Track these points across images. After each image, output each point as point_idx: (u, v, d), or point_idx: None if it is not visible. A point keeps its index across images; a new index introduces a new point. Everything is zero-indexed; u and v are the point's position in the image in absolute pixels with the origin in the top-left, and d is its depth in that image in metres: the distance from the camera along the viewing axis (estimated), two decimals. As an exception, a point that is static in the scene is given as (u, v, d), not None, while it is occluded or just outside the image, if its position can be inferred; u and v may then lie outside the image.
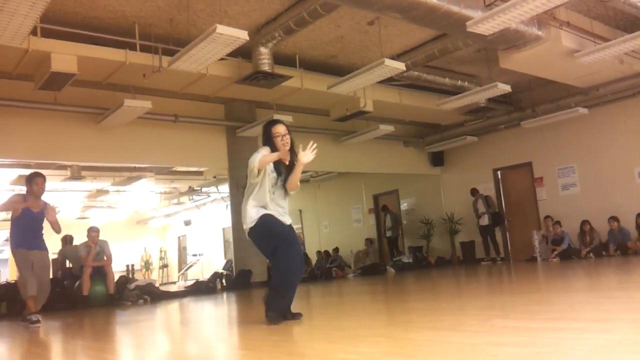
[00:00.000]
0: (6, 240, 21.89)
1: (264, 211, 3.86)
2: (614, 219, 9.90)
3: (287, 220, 3.98)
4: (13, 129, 7.82)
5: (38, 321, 5.62)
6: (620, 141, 10.30)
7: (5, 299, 7.86)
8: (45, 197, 6.11)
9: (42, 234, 6.02)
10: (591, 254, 9.94)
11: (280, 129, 3.95)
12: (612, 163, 10.39)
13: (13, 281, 9.00)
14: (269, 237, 3.86)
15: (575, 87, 9.91)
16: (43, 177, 6.06)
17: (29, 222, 5.86)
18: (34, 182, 5.94)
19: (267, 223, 3.83)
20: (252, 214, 3.86)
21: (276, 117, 8.95)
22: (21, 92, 7.53)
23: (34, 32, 6.24)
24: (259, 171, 3.80)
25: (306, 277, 11.96)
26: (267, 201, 3.88)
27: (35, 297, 5.76)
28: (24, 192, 6.06)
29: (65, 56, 6.72)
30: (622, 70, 9.07)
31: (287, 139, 3.94)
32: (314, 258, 14.09)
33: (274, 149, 3.90)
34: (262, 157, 3.79)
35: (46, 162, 10.06)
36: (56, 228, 6.01)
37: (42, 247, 5.98)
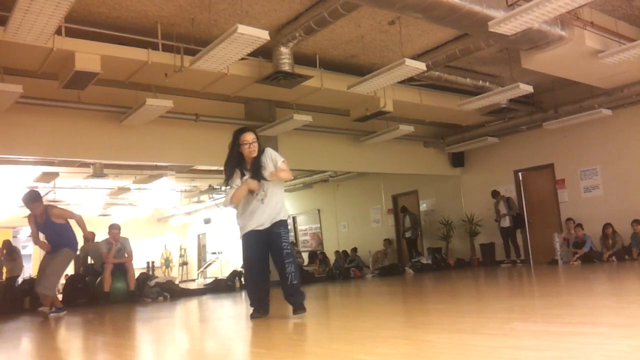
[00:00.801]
0: (29, 236, 22.29)
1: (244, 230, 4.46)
2: (637, 222, 9.74)
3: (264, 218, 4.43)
4: (38, 127, 7.96)
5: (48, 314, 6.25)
6: (645, 143, 10.13)
7: (29, 294, 7.99)
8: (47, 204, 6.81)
9: (60, 237, 6.41)
10: (613, 258, 9.79)
11: (247, 137, 4.39)
12: (636, 165, 10.21)
13: (36, 276, 9.14)
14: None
15: (599, 88, 9.77)
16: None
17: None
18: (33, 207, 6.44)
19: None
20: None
21: (295, 117, 8.99)
22: (46, 91, 7.64)
23: (58, 32, 6.32)
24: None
25: (324, 276, 11.99)
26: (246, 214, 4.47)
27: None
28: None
29: (88, 55, 6.81)
30: (647, 71, 8.91)
31: (254, 146, 4.37)
32: (332, 258, 14.09)
33: (239, 156, 4.42)
34: (232, 195, 4.35)
35: (69, 160, 10.22)
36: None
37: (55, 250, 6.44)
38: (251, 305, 4.57)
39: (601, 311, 3.65)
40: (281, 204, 4.48)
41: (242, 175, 4.42)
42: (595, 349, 2.30)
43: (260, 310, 4.53)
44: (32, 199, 6.35)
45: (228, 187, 4.46)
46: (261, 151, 4.46)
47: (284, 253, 4.35)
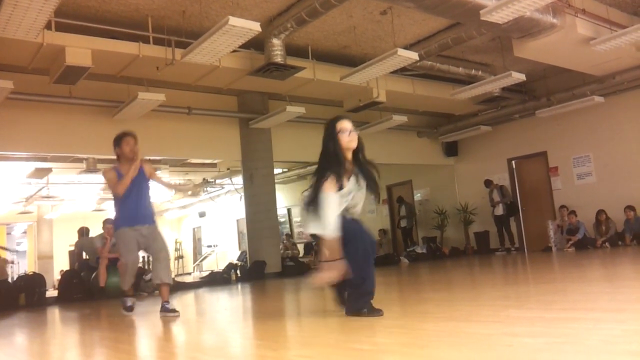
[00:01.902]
0: (24, 232, 22.21)
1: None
2: (630, 208, 9.80)
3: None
4: (29, 123, 7.91)
5: (131, 308, 5.05)
6: (636, 129, 10.17)
7: (23, 290, 7.97)
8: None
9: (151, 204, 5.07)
10: (607, 244, 9.86)
11: (346, 125, 3.52)
12: (629, 152, 10.26)
13: (31, 272, 9.13)
14: None
15: (591, 76, 9.79)
16: (133, 135, 5.02)
17: (133, 194, 4.85)
18: (124, 142, 4.92)
19: None
20: None
21: (288, 109, 8.97)
22: (37, 86, 7.60)
23: (48, 26, 6.28)
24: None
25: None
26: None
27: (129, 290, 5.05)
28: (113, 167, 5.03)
29: (79, 50, 6.77)
30: (638, 58, 8.94)
31: (354, 135, 3.52)
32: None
33: (337, 144, 3.46)
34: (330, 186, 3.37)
35: (62, 155, 10.18)
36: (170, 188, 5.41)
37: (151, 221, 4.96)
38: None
39: (595, 297, 3.67)
40: None
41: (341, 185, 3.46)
42: (590, 334, 2.32)
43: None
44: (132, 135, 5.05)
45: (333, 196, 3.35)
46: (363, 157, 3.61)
47: None
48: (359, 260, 3.38)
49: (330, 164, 3.43)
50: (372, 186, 3.64)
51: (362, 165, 3.59)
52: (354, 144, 3.52)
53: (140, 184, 4.90)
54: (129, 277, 4.95)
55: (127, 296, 5.12)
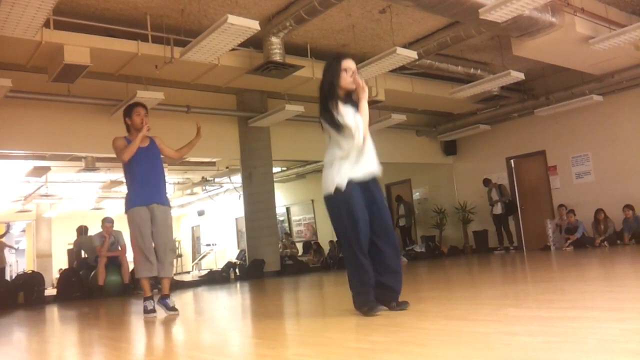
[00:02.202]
0: (23, 231, 22.18)
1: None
2: (629, 207, 9.81)
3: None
4: (28, 121, 7.90)
5: (153, 310, 4.62)
6: (635, 128, 10.18)
7: (22, 289, 7.97)
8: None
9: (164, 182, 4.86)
10: (605, 243, 9.87)
11: (350, 64, 3.49)
12: (628, 151, 10.27)
13: (30, 271, 9.12)
14: None
15: (590, 75, 9.80)
16: (143, 106, 4.86)
17: (143, 164, 4.61)
18: (135, 112, 4.72)
19: None
20: None
21: (287, 107, 8.95)
22: (35, 85, 7.59)
23: (46, 25, 6.27)
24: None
25: (319, 266, 12.01)
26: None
27: (149, 279, 4.64)
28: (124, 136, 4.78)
29: (78, 48, 6.76)
30: (637, 57, 8.94)
31: (357, 77, 3.46)
32: (326, 248, 14.12)
33: (337, 80, 3.46)
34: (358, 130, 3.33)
35: (60, 154, 10.16)
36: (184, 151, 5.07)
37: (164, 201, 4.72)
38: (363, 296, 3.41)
39: (593, 296, 3.68)
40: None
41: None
42: (588, 333, 2.32)
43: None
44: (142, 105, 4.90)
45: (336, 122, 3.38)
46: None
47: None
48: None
49: (329, 97, 3.45)
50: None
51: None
52: (354, 86, 3.47)
53: (154, 160, 4.72)
54: (149, 259, 4.50)
55: (147, 298, 4.65)
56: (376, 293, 3.38)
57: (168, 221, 4.69)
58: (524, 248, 11.77)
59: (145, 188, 4.60)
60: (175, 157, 5.07)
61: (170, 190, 18.89)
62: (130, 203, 4.61)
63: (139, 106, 4.79)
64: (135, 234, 4.56)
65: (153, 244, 4.57)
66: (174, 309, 4.64)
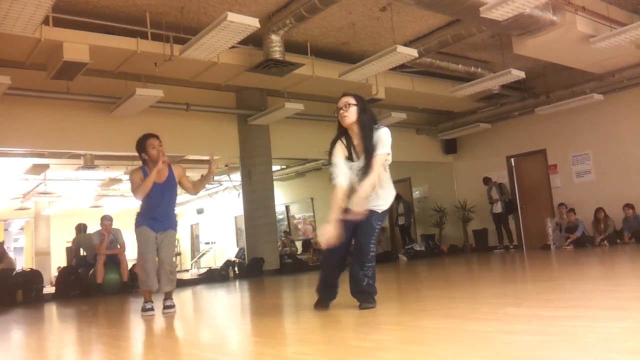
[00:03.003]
0: (21, 229, 22.18)
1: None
2: (629, 206, 9.81)
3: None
4: (26, 119, 7.88)
5: (152, 309, 4.68)
6: (636, 127, 10.17)
7: (21, 287, 7.96)
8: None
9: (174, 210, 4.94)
10: (605, 242, 9.86)
11: (341, 101, 3.87)
12: (628, 150, 10.26)
13: (29, 269, 9.11)
14: None
15: (590, 73, 9.78)
16: (156, 136, 4.84)
17: (155, 199, 4.70)
18: (149, 145, 4.74)
19: None
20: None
21: (287, 105, 8.94)
22: (34, 82, 7.57)
23: (46, 22, 6.25)
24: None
25: (318, 265, 11.98)
26: None
27: (150, 291, 4.69)
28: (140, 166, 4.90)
29: (77, 45, 6.74)
30: (638, 56, 8.93)
31: (349, 111, 3.74)
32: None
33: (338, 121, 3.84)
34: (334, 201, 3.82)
35: (59, 151, 10.15)
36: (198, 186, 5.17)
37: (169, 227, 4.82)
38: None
39: (593, 295, 3.67)
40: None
41: (349, 155, 3.66)
42: (587, 332, 2.31)
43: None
44: (155, 136, 4.93)
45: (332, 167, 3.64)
46: (375, 126, 3.63)
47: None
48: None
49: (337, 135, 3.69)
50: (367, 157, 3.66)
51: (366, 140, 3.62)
52: (347, 121, 3.64)
53: (169, 194, 4.80)
54: (149, 277, 4.60)
55: (147, 301, 4.71)
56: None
57: (171, 241, 4.81)
58: (524, 247, 11.76)
59: (153, 220, 4.71)
60: (190, 192, 5.19)
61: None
62: (140, 221, 4.75)
63: (151, 138, 4.74)
64: (140, 250, 4.70)
65: (157, 259, 4.68)
66: (170, 306, 4.69)
